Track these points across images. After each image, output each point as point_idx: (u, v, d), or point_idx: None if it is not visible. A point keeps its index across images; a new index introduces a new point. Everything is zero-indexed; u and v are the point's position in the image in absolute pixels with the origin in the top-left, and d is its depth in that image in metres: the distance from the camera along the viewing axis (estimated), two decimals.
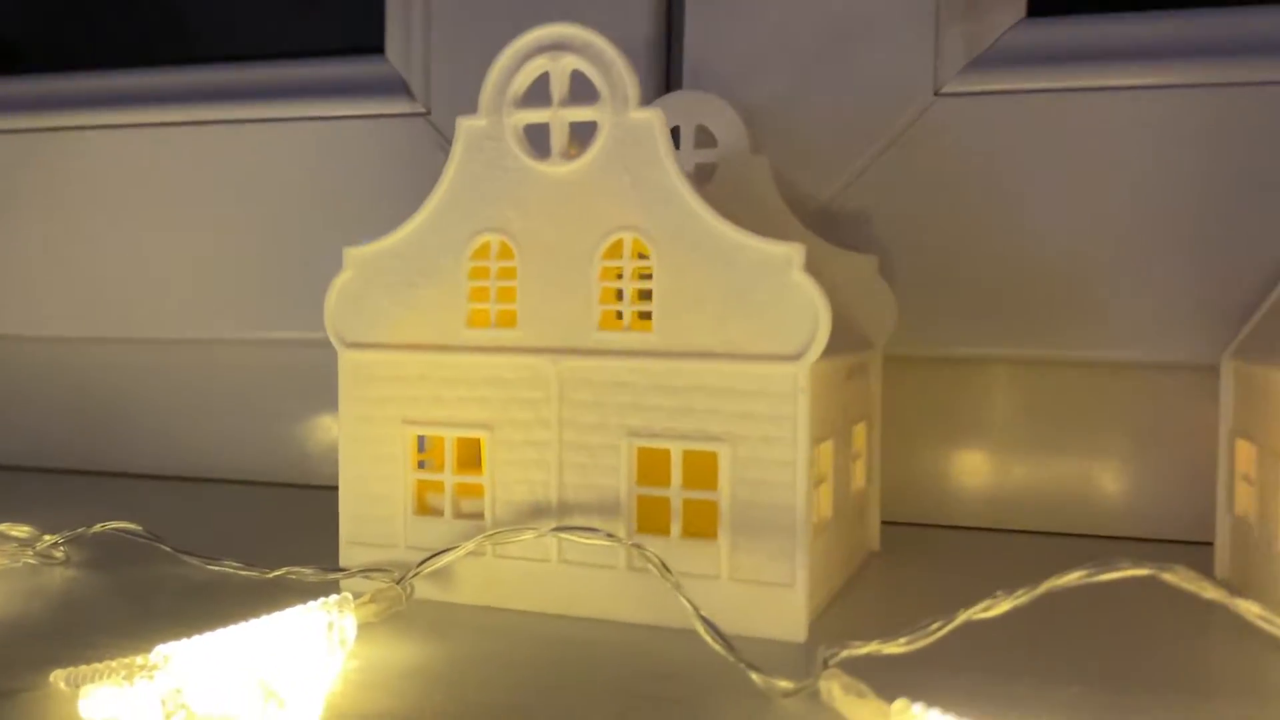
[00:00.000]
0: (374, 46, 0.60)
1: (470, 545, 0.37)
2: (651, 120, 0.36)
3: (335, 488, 0.41)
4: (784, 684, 0.30)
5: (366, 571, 0.39)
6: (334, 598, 0.34)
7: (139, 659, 0.30)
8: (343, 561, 0.41)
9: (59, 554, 0.43)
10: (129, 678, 0.29)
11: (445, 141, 0.57)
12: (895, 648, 0.29)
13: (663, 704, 0.31)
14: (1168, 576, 0.30)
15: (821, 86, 0.52)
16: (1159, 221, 0.49)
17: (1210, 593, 0.30)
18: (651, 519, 0.37)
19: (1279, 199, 0.47)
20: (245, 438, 0.63)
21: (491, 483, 0.39)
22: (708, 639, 0.32)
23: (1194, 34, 0.48)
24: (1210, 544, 0.44)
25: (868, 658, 0.29)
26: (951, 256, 0.51)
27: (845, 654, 0.28)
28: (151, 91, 0.64)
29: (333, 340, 0.41)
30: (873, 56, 0.52)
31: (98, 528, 0.43)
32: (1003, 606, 0.29)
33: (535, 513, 0.38)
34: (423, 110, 0.58)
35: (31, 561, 0.43)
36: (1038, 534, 0.52)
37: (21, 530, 0.44)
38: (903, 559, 0.47)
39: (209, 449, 0.64)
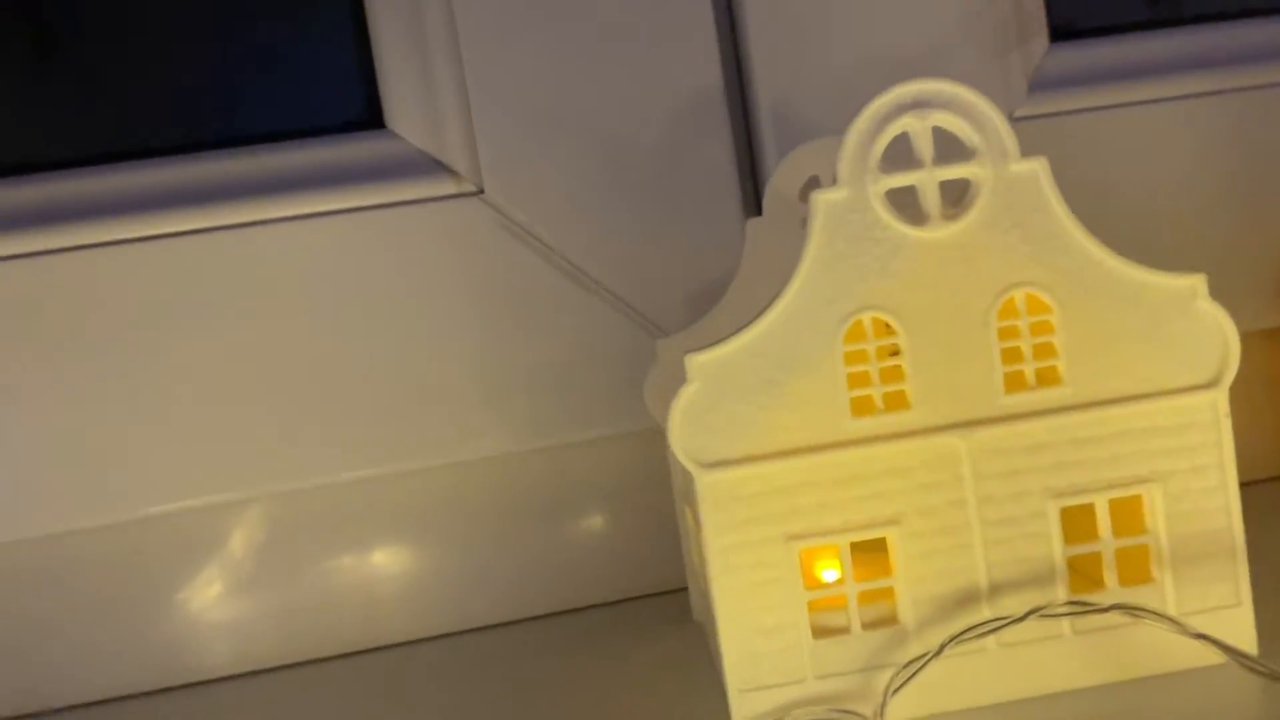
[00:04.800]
0: (370, 121, 0.51)
1: (943, 644, 0.34)
2: (1036, 170, 0.35)
3: None
4: None
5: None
6: None
7: None
8: (737, 716, 0.35)
9: None
10: None
11: (505, 220, 0.50)
12: None
13: None
14: None
15: None
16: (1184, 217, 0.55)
17: None
18: (1073, 581, 0.36)
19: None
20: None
21: (908, 580, 0.35)
22: (1242, 665, 0.32)
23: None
24: None
25: None
26: None
27: None
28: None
29: (687, 465, 0.35)
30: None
31: None
32: None
33: (960, 602, 0.35)
34: (473, 190, 0.50)
35: None
36: None
37: None
38: None
39: None
